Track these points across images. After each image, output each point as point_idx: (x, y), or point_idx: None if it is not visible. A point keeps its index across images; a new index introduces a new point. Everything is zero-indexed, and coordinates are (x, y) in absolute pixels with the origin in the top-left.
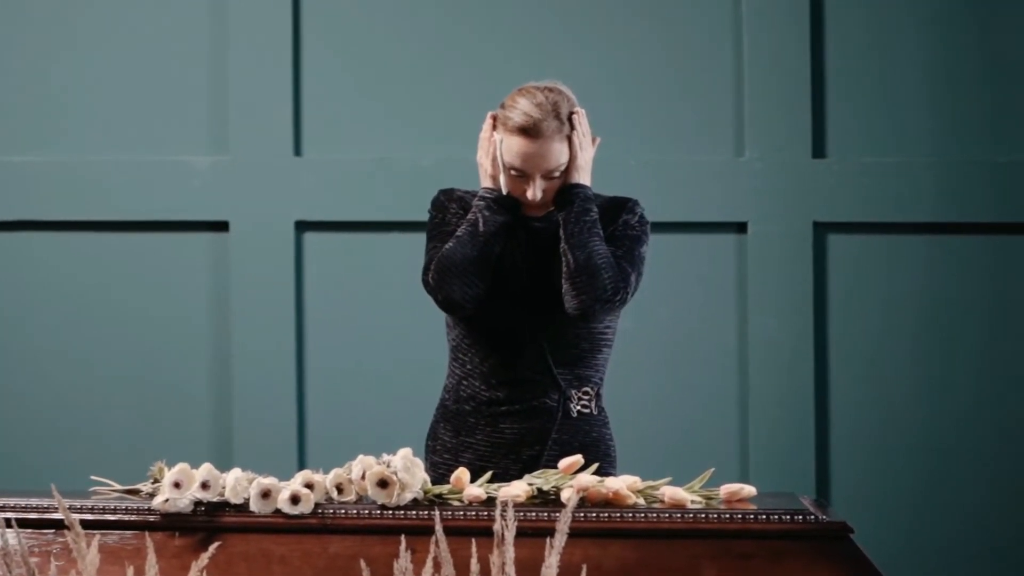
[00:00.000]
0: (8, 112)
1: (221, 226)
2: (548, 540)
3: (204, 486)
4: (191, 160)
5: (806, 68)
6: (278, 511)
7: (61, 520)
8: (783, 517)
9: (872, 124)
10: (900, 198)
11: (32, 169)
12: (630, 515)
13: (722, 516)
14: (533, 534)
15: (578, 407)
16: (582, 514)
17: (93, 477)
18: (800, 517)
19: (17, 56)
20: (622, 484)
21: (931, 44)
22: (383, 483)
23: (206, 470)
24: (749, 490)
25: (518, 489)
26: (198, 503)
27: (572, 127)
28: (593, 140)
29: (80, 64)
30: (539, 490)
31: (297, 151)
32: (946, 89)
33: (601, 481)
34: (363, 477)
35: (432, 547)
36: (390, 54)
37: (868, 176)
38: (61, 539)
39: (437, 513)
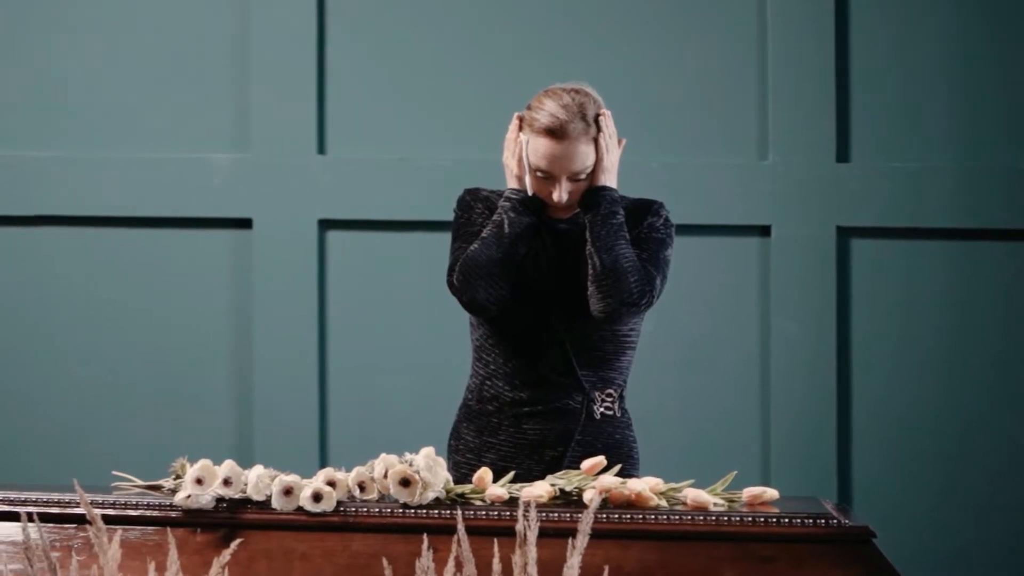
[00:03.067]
0: (30, 107)
1: (244, 223)
2: (570, 541)
3: (226, 482)
4: (214, 157)
5: (830, 72)
6: (300, 508)
7: (83, 515)
8: (805, 521)
9: (895, 129)
10: (923, 203)
11: (54, 164)
12: (652, 517)
13: (744, 519)
14: (555, 535)
15: (601, 409)
16: (604, 515)
17: (115, 473)
18: (822, 521)
19: (39, 52)
20: (644, 486)
21: (954, 51)
22: (405, 482)
23: (228, 467)
24: (771, 493)
25: (540, 489)
26: (220, 499)
27: (598, 129)
28: (619, 142)
29: (103, 60)
30: (561, 491)
31: (321, 149)
32: (969, 95)
33: (623, 482)
34: (385, 475)
35: (454, 546)
36: (414, 53)
37: (891, 181)
38: (83, 534)
39: (459, 512)
